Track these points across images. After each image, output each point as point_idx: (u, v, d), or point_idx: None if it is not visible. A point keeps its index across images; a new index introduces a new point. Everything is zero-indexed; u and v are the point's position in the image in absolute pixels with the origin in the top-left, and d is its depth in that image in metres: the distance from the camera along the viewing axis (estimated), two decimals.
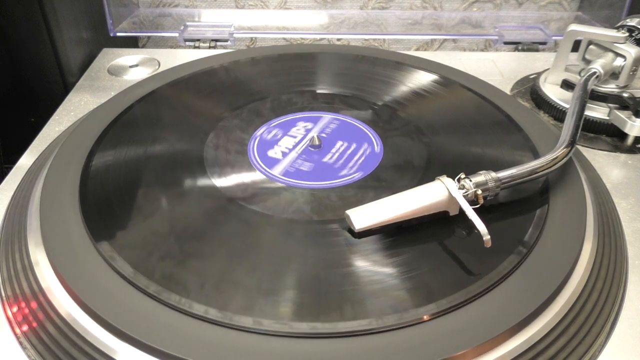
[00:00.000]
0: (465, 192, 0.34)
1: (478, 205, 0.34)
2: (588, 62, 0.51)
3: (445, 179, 0.35)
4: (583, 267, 0.33)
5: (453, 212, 0.35)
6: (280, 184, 0.40)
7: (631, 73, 0.49)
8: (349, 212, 0.35)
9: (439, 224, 0.35)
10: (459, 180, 0.35)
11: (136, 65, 0.62)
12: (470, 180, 0.35)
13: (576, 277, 0.33)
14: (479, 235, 0.32)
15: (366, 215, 0.34)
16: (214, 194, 0.38)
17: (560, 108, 0.52)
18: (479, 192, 0.35)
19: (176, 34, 0.69)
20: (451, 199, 0.34)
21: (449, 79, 0.53)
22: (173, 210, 0.37)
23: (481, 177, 0.35)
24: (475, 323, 0.29)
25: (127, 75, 0.61)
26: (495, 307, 0.30)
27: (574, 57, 0.53)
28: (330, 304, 0.30)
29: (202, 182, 0.40)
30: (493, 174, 0.35)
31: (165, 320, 0.29)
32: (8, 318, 0.32)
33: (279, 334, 0.28)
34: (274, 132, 0.46)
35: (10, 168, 0.45)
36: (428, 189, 0.35)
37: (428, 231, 0.35)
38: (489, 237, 0.31)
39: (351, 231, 0.35)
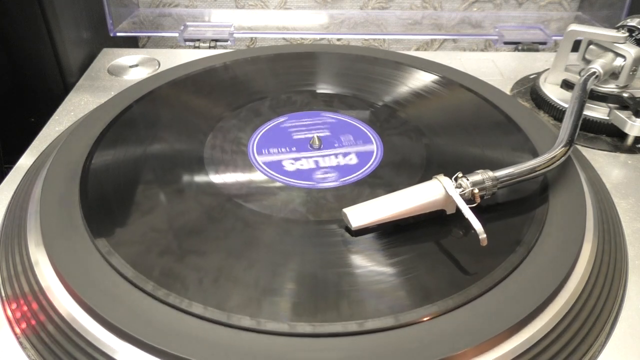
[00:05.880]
0: (462, 190, 0.34)
1: (475, 204, 0.34)
2: (588, 62, 0.51)
3: (442, 178, 0.35)
4: (583, 267, 0.33)
5: (450, 210, 0.35)
6: (279, 183, 0.40)
7: (631, 73, 0.49)
8: (346, 210, 0.35)
9: (436, 222, 0.35)
10: (456, 179, 0.35)
11: (136, 65, 0.62)
12: (467, 179, 0.35)
13: (576, 277, 0.33)
14: (476, 234, 0.32)
15: (363, 213, 0.34)
16: (214, 193, 0.38)
17: (560, 108, 0.52)
18: (476, 191, 0.35)
19: (176, 34, 0.69)
20: (448, 197, 0.34)
21: (449, 79, 0.53)
22: (173, 210, 0.37)
23: (478, 176, 0.35)
24: (475, 323, 0.29)
25: (127, 75, 0.61)
26: (495, 307, 0.30)
27: (574, 57, 0.53)
28: (329, 304, 0.30)
29: (202, 181, 0.40)
30: (490, 173, 0.35)
31: (165, 319, 0.29)
32: (8, 318, 0.32)
33: (277, 333, 0.28)
34: (273, 132, 0.46)
35: (10, 168, 0.45)
36: (425, 188, 0.35)
37: (426, 230, 0.35)
38: (484, 235, 0.31)
39: (348, 229, 0.35)
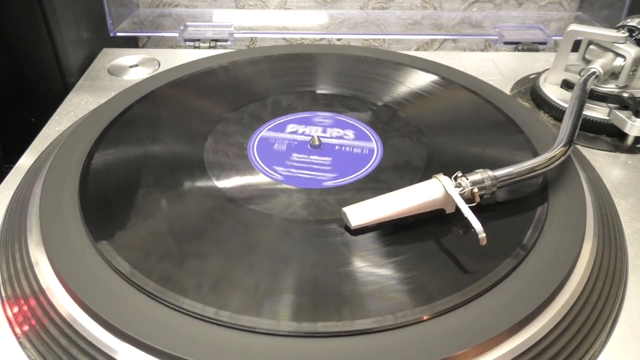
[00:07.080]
0: (462, 190, 0.34)
1: (474, 204, 0.34)
2: (588, 62, 0.51)
3: (441, 177, 0.35)
4: (583, 267, 0.33)
5: (449, 210, 0.35)
6: (279, 184, 0.40)
7: (631, 73, 0.49)
8: (345, 209, 0.35)
9: (436, 222, 0.35)
10: (455, 179, 0.35)
11: (136, 65, 0.62)
12: (467, 179, 0.35)
13: (576, 277, 0.33)
14: (476, 234, 0.32)
15: (362, 212, 0.34)
16: (214, 194, 0.38)
17: (560, 108, 0.52)
18: (475, 190, 0.35)
19: (176, 34, 0.69)
20: (447, 197, 0.34)
21: (449, 79, 0.53)
22: (173, 210, 0.37)
23: (478, 175, 0.35)
24: (475, 323, 0.29)
25: (127, 75, 0.61)
26: (495, 307, 0.30)
27: (574, 57, 0.53)
28: (330, 304, 0.30)
29: (202, 182, 0.40)
30: (490, 173, 0.35)
31: (165, 320, 0.29)
32: (8, 318, 0.32)
33: (278, 334, 0.28)
34: (274, 132, 0.46)
35: (10, 168, 0.45)
36: (425, 187, 0.35)
37: (425, 230, 0.35)
38: (484, 235, 0.31)
39: (348, 228, 0.35)
